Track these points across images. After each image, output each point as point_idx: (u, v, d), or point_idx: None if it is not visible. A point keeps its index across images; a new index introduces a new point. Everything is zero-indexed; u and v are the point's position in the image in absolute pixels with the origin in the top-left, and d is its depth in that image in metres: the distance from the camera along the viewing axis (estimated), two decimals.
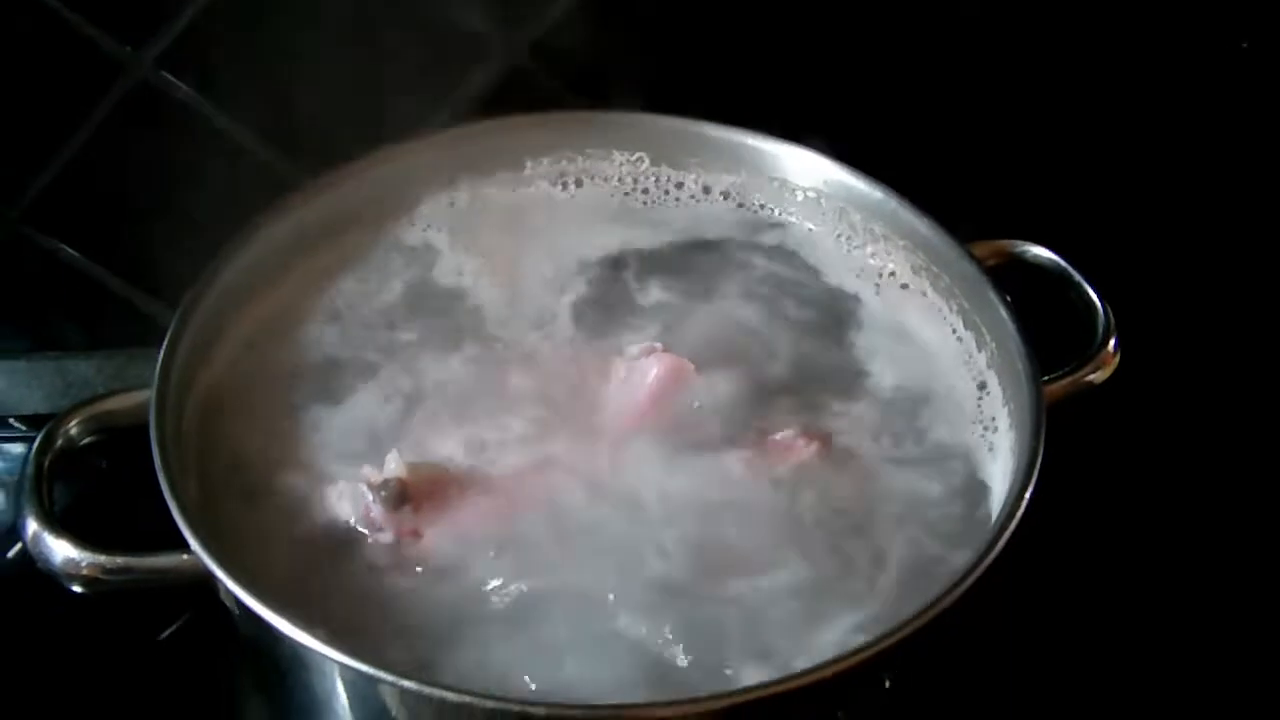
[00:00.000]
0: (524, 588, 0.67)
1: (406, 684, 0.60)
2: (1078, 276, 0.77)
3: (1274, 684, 0.80)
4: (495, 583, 0.67)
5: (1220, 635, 0.82)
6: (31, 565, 0.84)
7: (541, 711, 0.60)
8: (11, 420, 0.97)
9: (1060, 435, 0.69)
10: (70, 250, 0.92)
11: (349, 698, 0.63)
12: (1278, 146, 0.93)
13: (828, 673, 0.60)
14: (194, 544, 0.64)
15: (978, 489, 0.71)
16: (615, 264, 0.81)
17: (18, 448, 0.97)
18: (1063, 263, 0.77)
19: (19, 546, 0.89)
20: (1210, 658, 0.81)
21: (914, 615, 0.62)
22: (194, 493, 0.68)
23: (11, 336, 0.96)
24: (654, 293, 0.79)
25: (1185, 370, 0.92)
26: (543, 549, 0.68)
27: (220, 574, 0.63)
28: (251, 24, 0.86)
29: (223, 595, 0.65)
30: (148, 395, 0.69)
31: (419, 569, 0.68)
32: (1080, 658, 0.80)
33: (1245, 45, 0.87)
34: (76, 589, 0.66)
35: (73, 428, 0.71)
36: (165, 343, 0.71)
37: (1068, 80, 0.89)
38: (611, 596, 0.66)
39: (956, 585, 0.63)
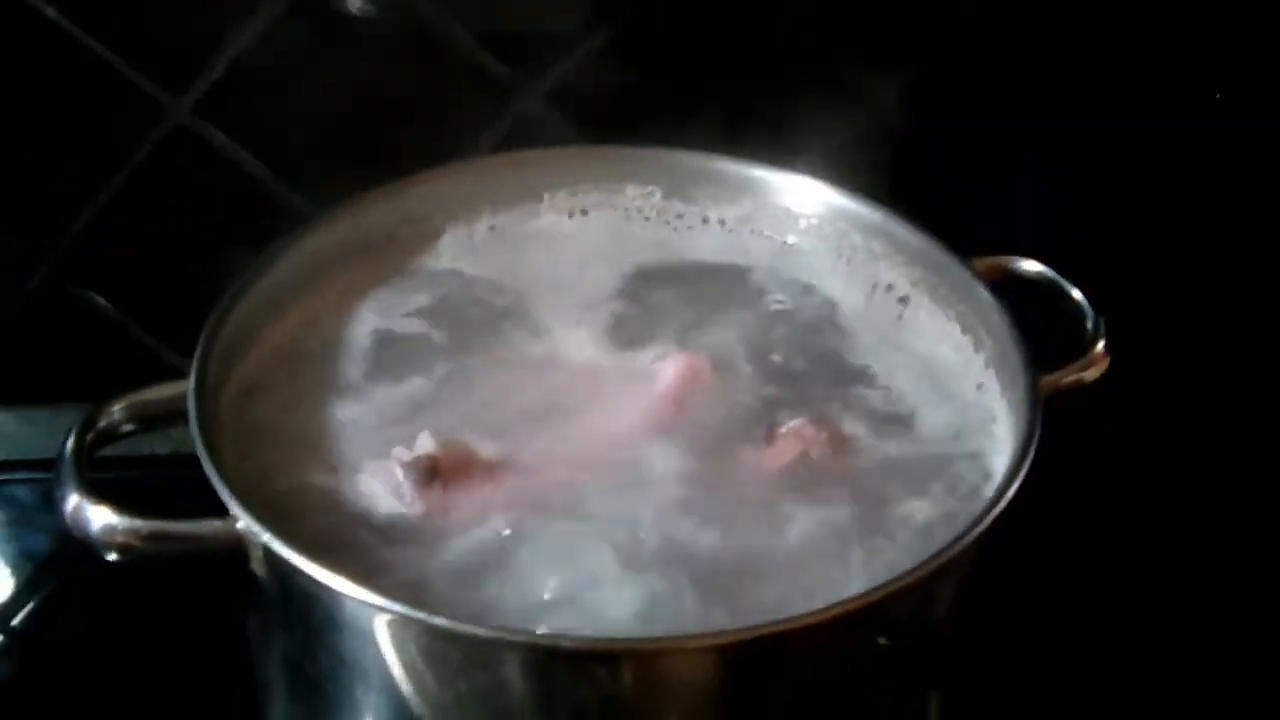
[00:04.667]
0: (547, 560, 0.69)
1: (460, 627, 0.62)
2: (1067, 285, 0.81)
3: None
4: (520, 555, 0.69)
5: (1205, 621, 0.87)
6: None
7: (570, 644, 0.63)
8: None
9: (1055, 442, 0.71)
10: (101, 300, 0.97)
11: (385, 652, 0.65)
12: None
13: (821, 618, 0.62)
14: (232, 504, 0.66)
15: (979, 475, 0.74)
16: (632, 283, 0.85)
17: (22, 491, 1.00)
18: (1052, 274, 0.81)
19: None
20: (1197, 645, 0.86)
21: (914, 568, 0.65)
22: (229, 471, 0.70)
23: (37, 385, 0.99)
24: (669, 307, 0.83)
25: (1171, 377, 0.96)
26: (568, 526, 0.71)
27: (260, 530, 0.65)
28: (283, 74, 0.92)
29: (254, 564, 0.68)
30: (185, 385, 0.72)
31: (448, 542, 0.70)
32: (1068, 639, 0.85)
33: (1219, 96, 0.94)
34: (113, 556, 0.68)
35: (115, 413, 0.74)
36: (202, 337, 0.74)
37: (1051, 115, 0.95)
38: (627, 558, 0.69)
39: (956, 542, 0.66)
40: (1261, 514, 0.94)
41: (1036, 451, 0.70)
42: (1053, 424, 0.72)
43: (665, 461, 0.74)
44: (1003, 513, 0.68)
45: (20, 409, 0.99)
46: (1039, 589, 0.86)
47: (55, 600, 0.92)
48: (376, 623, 0.64)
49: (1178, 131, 0.96)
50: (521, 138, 0.94)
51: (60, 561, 0.93)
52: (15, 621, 0.91)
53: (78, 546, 0.69)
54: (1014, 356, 0.75)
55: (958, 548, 0.66)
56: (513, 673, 0.63)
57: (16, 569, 0.94)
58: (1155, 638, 0.86)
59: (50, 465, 0.95)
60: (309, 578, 0.65)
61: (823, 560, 0.70)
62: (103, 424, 0.73)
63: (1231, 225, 1.00)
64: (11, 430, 0.98)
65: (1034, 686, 0.84)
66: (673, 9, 0.92)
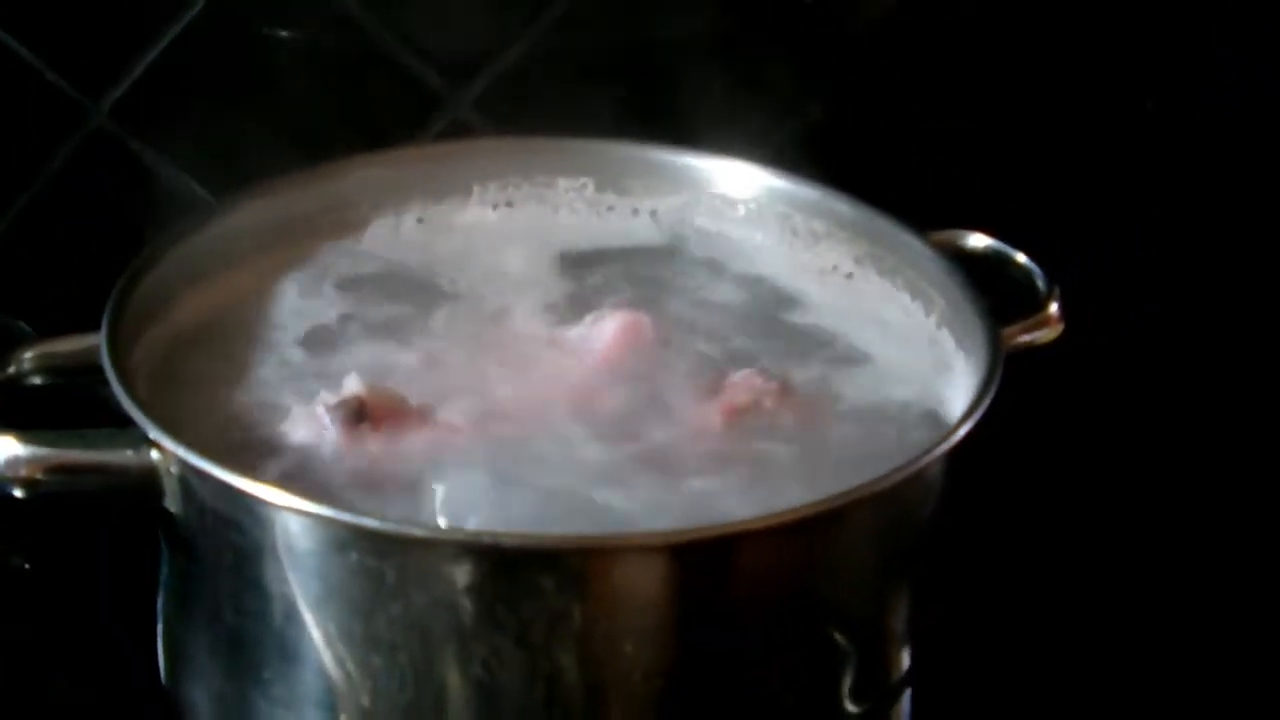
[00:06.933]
0: (480, 504, 0.64)
1: (396, 528, 0.59)
2: (1016, 254, 0.79)
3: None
4: (451, 499, 0.65)
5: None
6: None
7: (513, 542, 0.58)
8: None
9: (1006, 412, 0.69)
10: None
11: (315, 575, 0.60)
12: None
13: (780, 521, 0.60)
14: (146, 424, 0.62)
15: (937, 418, 0.71)
16: (564, 266, 0.81)
17: None
18: (1001, 245, 0.79)
19: None
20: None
21: (874, 480, 0.61)
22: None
23: None
24: (603, 285, 0.80)
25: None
26: (499, 477, 0.66)
27: (175, 446, 0.61)
28: (204, 78, 0.89)
29: (169, 499, 0.63)
30: (97, 336, 0.67)
31: (374, 488, 0.65)
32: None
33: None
34: (18, 493, 0.63)
35: (24, 361, 0.69)
36: (114, 292, 0.70)
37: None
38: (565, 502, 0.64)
39: (922, 455, 0.63)
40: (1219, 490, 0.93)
41: (994, 402, 0.67)
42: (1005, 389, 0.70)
43: (607, 413, 0.70)
44: (964, 452, 0.65)
45: None
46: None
47: None
48: (302, 536, 0.59)
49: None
50: None
51: None
52: None
53: None
54: (968, 310, 0.73)
55: (924, 461, 0.63)
56: (456, 584, 0.58)
57: None
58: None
59: None
60: (228, 495, 0.60)
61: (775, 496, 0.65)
62: (11, 370, 0.69)
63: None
64: None
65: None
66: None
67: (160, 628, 0.70)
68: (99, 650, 0.79)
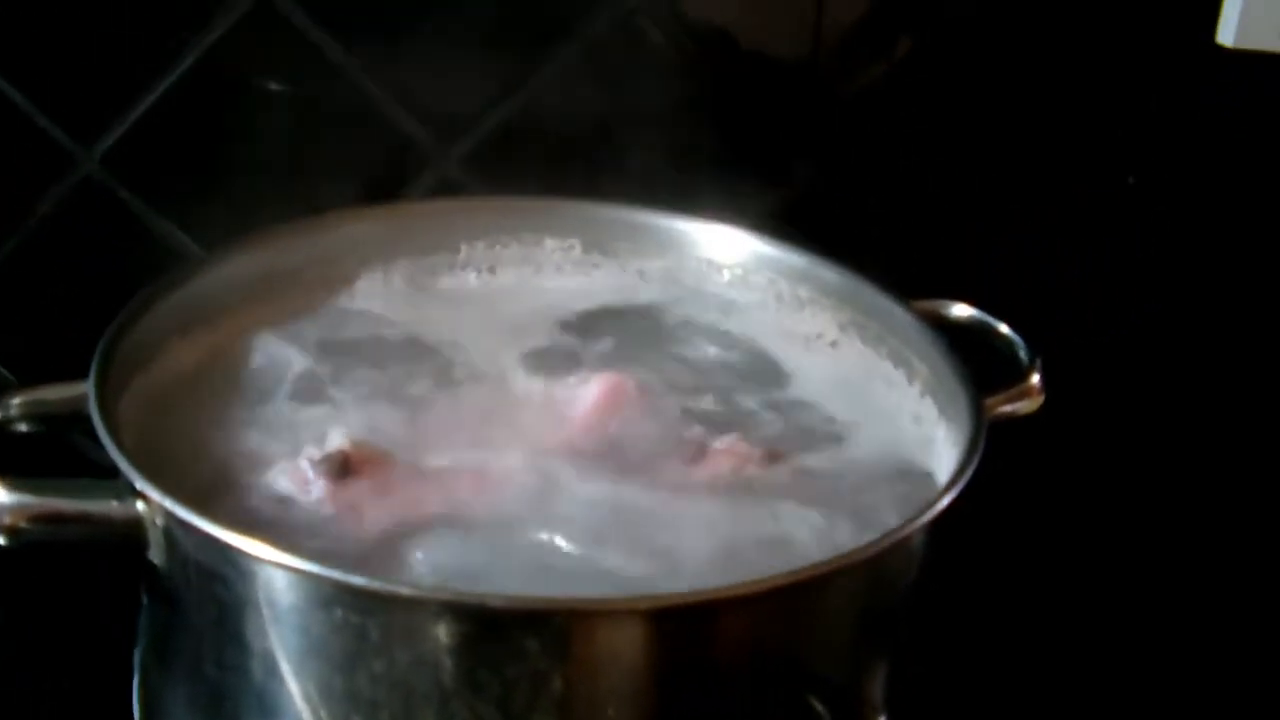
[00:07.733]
0: (462, 564, 0.65)
1: (381, 586, 0.58)
2: (999, 324, 0.80)
3: None
4: (432, 558, 0.65)
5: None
6: None
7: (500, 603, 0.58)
8: None
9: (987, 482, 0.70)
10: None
11: (296, 630, 0.60)
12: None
13: (768, 586, 0.59)
14: (133, 474, 0.61)
15: (919, 487, 0.71)
16: (551, 326, 0.82)
17: None
18: (984, 315, 0.80)
19: None
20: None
21: (862, 546, 0.62)
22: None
23: None
24: (591, 348, 0.80)
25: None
26: (480, 537, 0.66)
27: (161, 497, 0.60)
28: (195, 129, 0.90)
29: (153, 550, 0.63)
30: (85, 385, 0.67)
31: (358, 543, 0.65)
32: None
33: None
34: (1, 540, 0.63)
35: (11, 407, 0.69)
36: (103, 341, 0.70)
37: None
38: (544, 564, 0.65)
39: (909, 523, 0.63)
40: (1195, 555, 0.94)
41: (978, 471, 0.68)
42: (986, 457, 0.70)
43: (588, 475, 0.70)
44: (948, 521, 0.65)
45: None
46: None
47: None
48: (287, 591, 0.59)
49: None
50: None
51: None
52: None
53: None
54: (951, 379, 0.74)
55: (906, 530, 0.63)
56: (439, 644, 0.58)
57: None
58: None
59: None
60: (213, 548, 0.60)
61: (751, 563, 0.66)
62: None
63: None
64: None
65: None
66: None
67: (137, 681, 0.70)
68: (73, 704, 0.79)
